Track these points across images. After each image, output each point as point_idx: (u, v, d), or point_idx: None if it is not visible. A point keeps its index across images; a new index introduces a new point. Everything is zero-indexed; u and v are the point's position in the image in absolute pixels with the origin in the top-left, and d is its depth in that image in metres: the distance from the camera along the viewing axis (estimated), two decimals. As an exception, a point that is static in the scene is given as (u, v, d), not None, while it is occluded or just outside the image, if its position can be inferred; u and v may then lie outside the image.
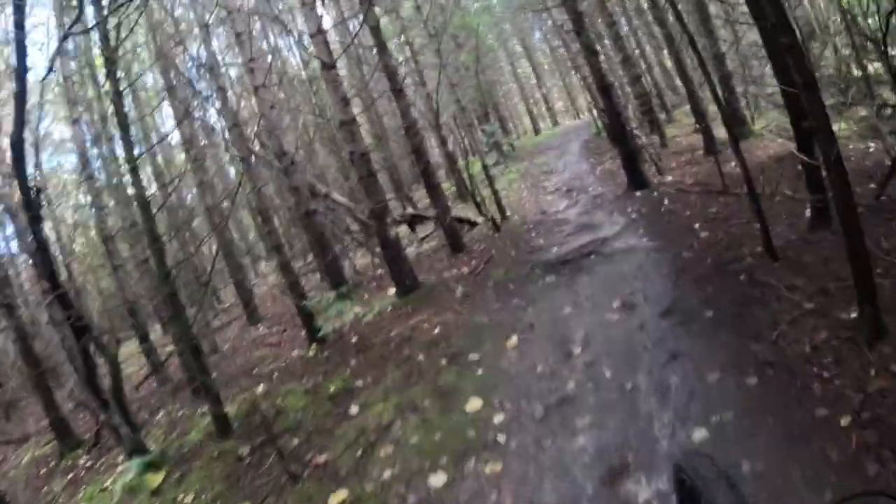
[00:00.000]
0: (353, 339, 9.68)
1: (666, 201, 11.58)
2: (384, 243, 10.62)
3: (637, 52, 26.16)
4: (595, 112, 27.24)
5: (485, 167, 16.00)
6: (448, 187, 22.55)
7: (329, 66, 10.45)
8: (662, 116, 23.99)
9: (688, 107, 25.74)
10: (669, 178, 14.17)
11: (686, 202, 11.13)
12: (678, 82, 30.17)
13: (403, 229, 16.95)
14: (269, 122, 13.28)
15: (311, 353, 10.19)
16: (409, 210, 16.99)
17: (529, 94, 51.22)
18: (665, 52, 30.58)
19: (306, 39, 16.80)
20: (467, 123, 44.68)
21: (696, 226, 9.21)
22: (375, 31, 13.06)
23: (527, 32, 44.45)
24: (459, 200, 21.56)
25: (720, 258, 7.53)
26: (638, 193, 13.05)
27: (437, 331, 8.41)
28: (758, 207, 7.07)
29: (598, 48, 15.16)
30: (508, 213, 16.63)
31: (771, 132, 16.90)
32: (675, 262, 7.93)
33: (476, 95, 31.22)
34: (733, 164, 12.36)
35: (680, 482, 1.71)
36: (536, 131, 43.57)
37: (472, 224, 15.55)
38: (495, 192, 15.61)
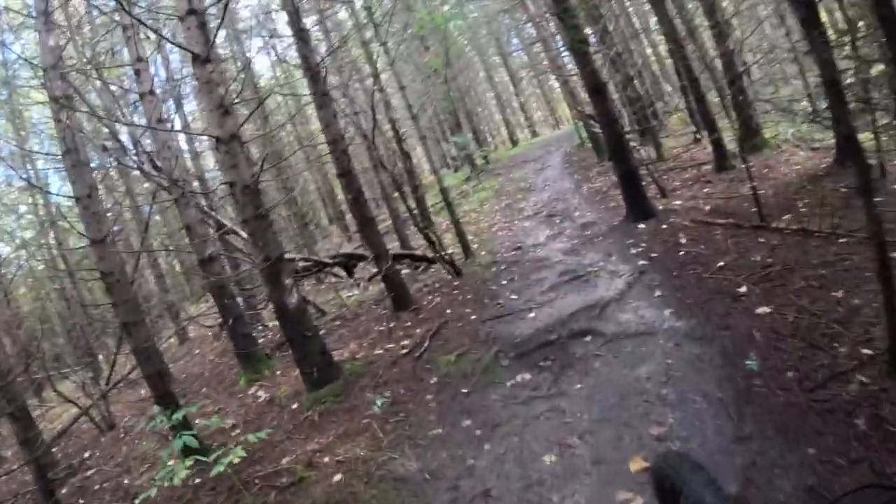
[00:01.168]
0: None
1: (682, 239, 8.45)
2: (281, 314, 7.32)
3: (624, 51, 23.18)
4: (579, 121, 24.13)
5: (443, 191, 12.72)
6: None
7: (202, 59, 7.18)
8: (653, 125, 20.96)
9: (679, 114, 22.97)
10: (678, 202, 11.08)
11: (711, 241, 8.02)
12: (668, 87, 27.38)
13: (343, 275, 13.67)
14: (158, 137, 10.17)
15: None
16: (318, 256, 13.54)
17: (507, 103, 48.19)
18: (654, 49, 27.75)
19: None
20: (434, 136, 41.65)
21: (743, 289, 6.06)
22: (294, 16, 9.86)
23: (504, 38, 41.53)
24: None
25: (806, 368, 4.38)
26: (641, 225, 9.93)
27: (335, 479, 5.13)
28: (886, 276, 3.92)
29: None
30: (475, 245, 13.46)
31: (787, 142, 13.97)
32: (729, 370, 4.73)
33: (446, 104, 28.08)
34: (754, 184, 9.45)
35: (659, 482, 1.72)
36: (514, 142, 40.51)
37: (427, 262, 12.30)
38: (456, 223, 12.37)
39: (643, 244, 8.86)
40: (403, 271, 12.95)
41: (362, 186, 10.47)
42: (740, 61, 13.57)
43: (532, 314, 7.55)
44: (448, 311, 8.92)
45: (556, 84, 53.15)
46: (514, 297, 8.62)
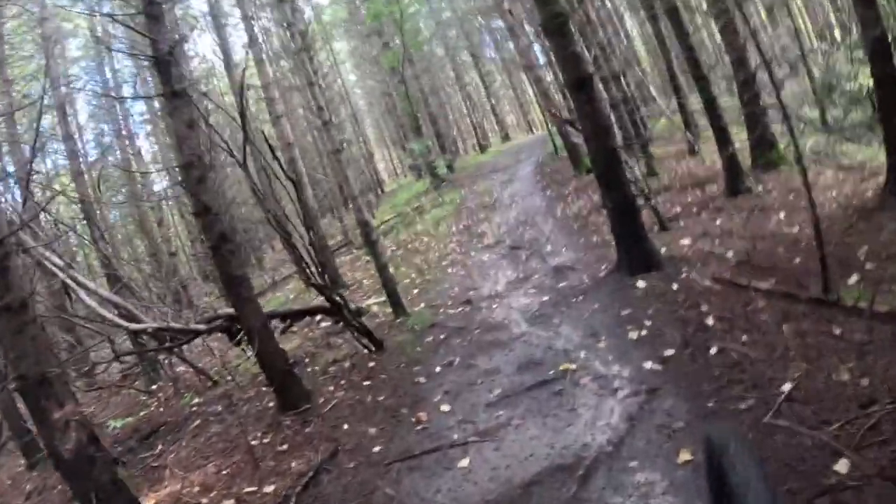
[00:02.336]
0: None
1: (708, 316, 5.43)
2: (57, 463, 4.19)
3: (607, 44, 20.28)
4: (555, 126, 21.13)
5: (364, 224, 9.52)
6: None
7: None
8: (644, 133, 18.06)
9: (663, 121, 20.10)
10: (685, 241, 8.12)
11: (755, 326, 5.07)
12: (652, 91, 24.53)
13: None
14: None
15: None
16: (182, 324, 10.07)
17: (477, 105, 45.08)
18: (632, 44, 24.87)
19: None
20: (397, 140, 38.43)
21: (842, 466, 3.04)
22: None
23: (475, 38, 38.56)
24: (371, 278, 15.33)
25: None
26: (641, 283, 6.90)
27: None
28: None
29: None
30: (415, 291, 10.46)
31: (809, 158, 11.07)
32: None
33: (404, 105, 24.94)
34: (781, 215, 7.92)
35: (710, 454, 1.57)
36: (482, 148, 37.42)
37: (338, 317, 9.10)
38: (382, 269, 9.25)
39: (647, 321, 5.81)
40: (321, 325, 9.86)
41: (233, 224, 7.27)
42: (757, 57, 10.62)
43: (466, 460, 4.43)
44: (346, 425, 5.77)
45: (530, 86, 50.50)
46: (445, 407, 5.49)
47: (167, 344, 7.79)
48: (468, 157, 36.86)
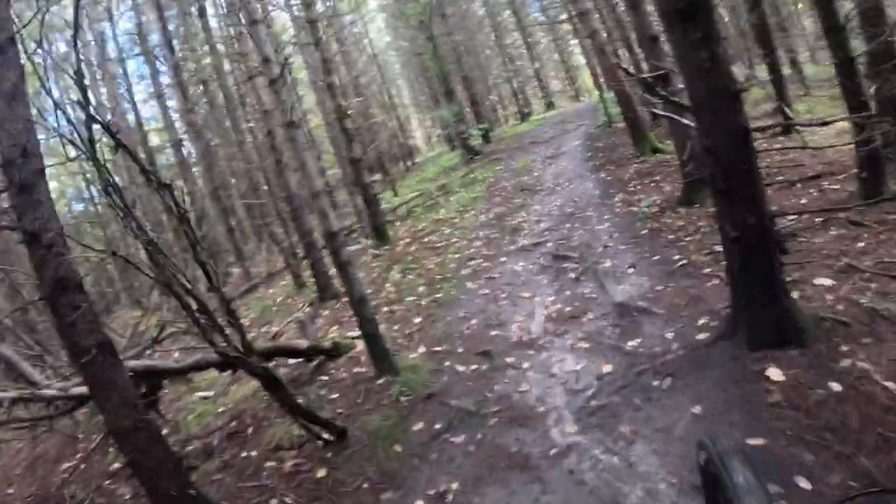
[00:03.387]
0: None
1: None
2: None
3: None
4: (610, 91, 17.92)
5: (330, 237, 6.47)
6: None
7: None
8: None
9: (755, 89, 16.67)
10: (824, 280, 5.19)
11: None
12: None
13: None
14: None
15: None
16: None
17: (520, 69, 41.38)
18: None
19: None
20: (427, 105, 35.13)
21: None
22: None
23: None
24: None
25: None
26: (774, 374, 3.93)
27: None
28: None
29: None
30: (418, 320, 7.65)
31: None
32: None
33: (433, 65, 21.83)
34: None
35: (704, 461, 1.72)
36: (524, 116, 34.03)
37: (273, 394, 6.21)
38: (358, 304, 6.21)
39: (799, 472, 2.89)
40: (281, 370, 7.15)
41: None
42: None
43: None
44: None
45: (579, 49, 46.58)
46: None
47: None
48: (507, 127, 33.56)
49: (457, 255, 10.16)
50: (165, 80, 19.20)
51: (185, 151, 20.31)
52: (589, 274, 7.34)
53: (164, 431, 6.75)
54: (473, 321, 7.02)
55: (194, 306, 3.99)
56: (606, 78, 13.85)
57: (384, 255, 11.89)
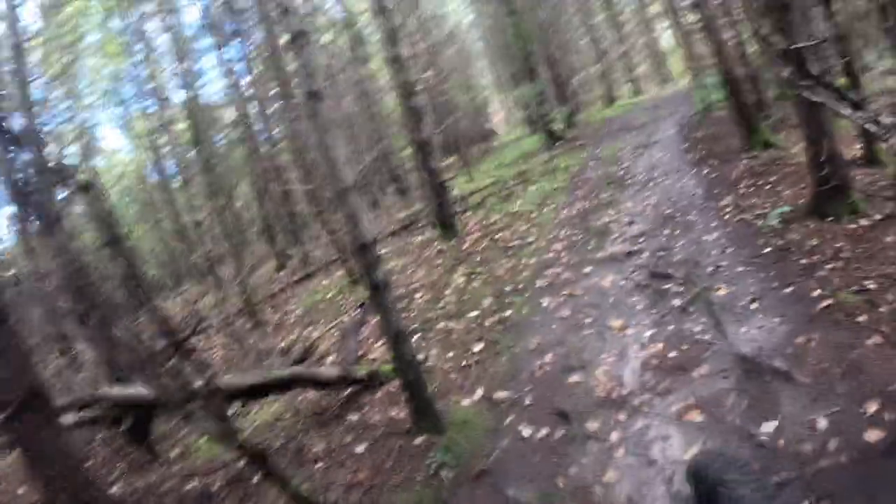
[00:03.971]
0: None
1: None
2: None
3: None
4: (720, 72, 16.03)
5: (361, 248, 5.04)
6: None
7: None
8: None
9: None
10: None
11: None
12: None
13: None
14: None
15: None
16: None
17: (607, 51, 38.98)
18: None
19: None
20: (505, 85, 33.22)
21: None
22: None
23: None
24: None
25: None
26: None
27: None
28: None
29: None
30: (479, 348, 6.27)
31: None
32: None
33: (514, 41, 20.21)
34: None
35: (697, 482, 1.69)
36: (610, 101, 31.90)
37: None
38: (397, 339, 4.79)
39: None
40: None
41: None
42: None
43: None
44: None
45: (668, 32, 43.81)
46: None
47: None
48: (592, 111, 31.56)
49: (532, 260, 8.72)
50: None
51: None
52: (699, 304, 5.79)
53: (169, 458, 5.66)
54: (548, 357, 5.59)
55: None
56: (718, 58, 12.02)
57: (449, 252, 10.54)
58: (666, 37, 46.89)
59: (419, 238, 12.64)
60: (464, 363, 5.84)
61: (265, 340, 9.46)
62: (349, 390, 5.63)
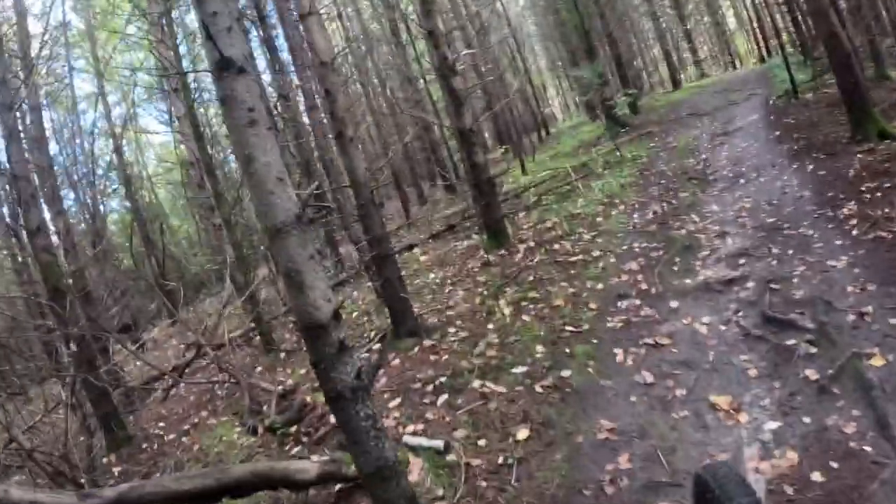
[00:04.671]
0: None
1: None
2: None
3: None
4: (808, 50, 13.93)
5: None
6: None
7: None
8: None
9: None
10: None
11: None
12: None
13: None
14: None
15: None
16: None
17: (667, 30, 36.30)
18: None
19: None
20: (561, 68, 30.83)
21: None
22: None
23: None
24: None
25: None
26: None
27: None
28: None
29: None
30: (522, 435, 4.56)
31: None
32: None
33: (571, 18, 18.25)
34: None
35: (700, 492, 1.76)
36: (675, 84, 29.44)
37: None
38: (373, 481, 3.18)
39: None
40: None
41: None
42: None
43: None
44: None
45: (733, 11, 40.99)
46: None
47: None
48: (657, 94, 29.20)
49: (599, 285, 6.95)
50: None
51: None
52: (846, 380, 4.01)
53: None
54: (622, 459, 3.89)
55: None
56: (817, 28, 9.97)
57: (496, 266, 8.83)
58: (731, 16, 44.26)
59: (464, 243, 10.96)
60: (501, 460, 4.14)
61: (267, 376, 7.90)
62: (337, 487, 4.06)
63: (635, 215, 9.42)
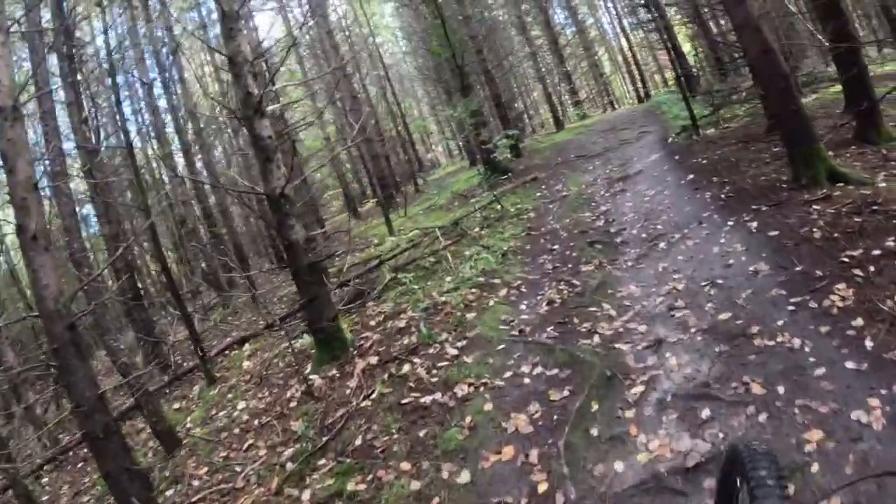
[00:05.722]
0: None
1: None
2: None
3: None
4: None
5: None
6: None
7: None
8: None
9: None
10: None
11: None
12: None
13: None
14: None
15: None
16: None
17: (548, 70, 34.60)
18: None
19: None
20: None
21: None
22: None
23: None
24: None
25: None
26: None
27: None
28: None
29: None
30: None
31: None
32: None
33: (442, 50, 15.61)
34: None
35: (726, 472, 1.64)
36: (558, 124, 27.42)
37: None
38: None
39: None
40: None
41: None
42: None
43: None
44: None
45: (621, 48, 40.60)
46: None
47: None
48: (540, 136, 27.12)
49: (462, 474, 3.92)
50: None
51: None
52: None
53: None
54: None
55: None
56: (746, 45, 7.54)
57: (319, 401, 5.67)
58: (606, 59, 43.95)
59: (287, 353, 7.74)
60: None
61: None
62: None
63: (522, 305, 6.54)
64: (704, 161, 10.27)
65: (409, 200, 20.34)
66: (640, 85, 33.97)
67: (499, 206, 11.60)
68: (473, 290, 7.35)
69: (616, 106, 39.32)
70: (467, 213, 11.97)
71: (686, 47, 23.45)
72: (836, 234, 5.62)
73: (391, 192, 21.53)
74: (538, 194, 12.26)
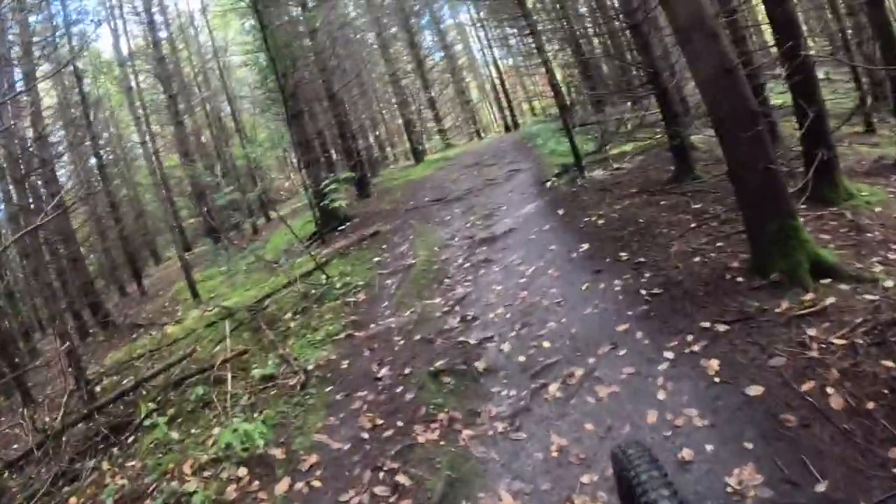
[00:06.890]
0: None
1: None
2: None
3: None
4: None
5: None
6: None
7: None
8: None
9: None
10: None
11: None
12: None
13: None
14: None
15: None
16: None
17: (412, 95, 31.86)
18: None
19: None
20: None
21: None
22: None
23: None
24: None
25: None
26: None
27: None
28: None
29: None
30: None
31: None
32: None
33: (262, 66, 12.18)
34: None
35: (620, 469, 1.67)
36: (417, 156, 24.46)
37: None
38: None
39: None
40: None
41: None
42: None
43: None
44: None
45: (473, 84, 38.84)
46: None
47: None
48: (395, 169, 24.12)
49: None
50: None
51: None
52: None
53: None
54: None
55: None
56: (698, 64, 4.82)
57: None
58: (474, 87, 42.26)
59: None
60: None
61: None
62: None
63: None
64: (601, 222, 7.49)
65: (243, 242, 16.41)
66: (507, 113, 32.00)
67: (321, 279, 8.33)
68: (241, 472, 4.06)
69: (483, 134, 37.32)
70: (277, 290, 8.62)
71: (558, 75, 21.25)
72: (865, 399, 2.89)
73: (218, 236, 17.57)
74: (376, 259, 9.10)
